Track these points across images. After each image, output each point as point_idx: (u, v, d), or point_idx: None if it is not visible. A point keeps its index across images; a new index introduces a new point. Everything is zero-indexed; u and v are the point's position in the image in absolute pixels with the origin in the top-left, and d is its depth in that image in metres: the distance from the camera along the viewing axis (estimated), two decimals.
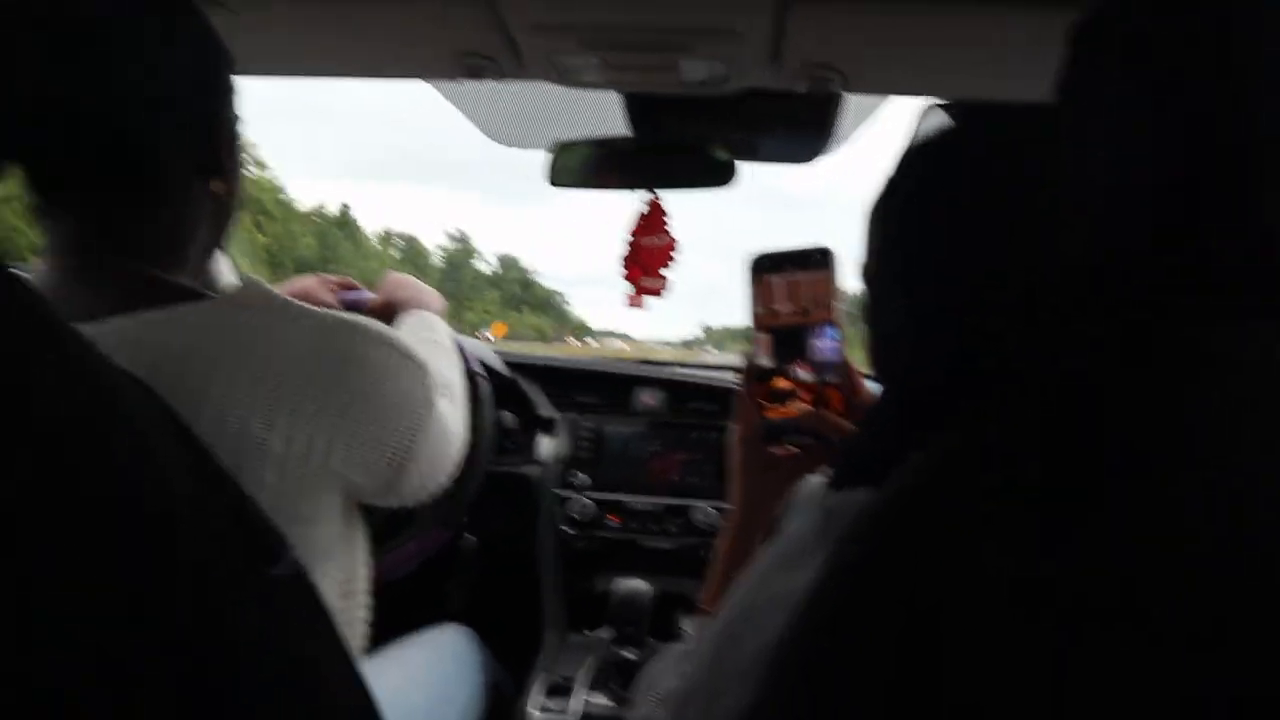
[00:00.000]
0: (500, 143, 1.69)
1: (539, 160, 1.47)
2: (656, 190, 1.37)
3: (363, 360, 0.81)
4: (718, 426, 1.92)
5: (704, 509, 1.82)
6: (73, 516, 0.48)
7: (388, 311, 1.32)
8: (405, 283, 1.40)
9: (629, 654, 1.58)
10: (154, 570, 0.53)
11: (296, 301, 0.81)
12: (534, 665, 1.75)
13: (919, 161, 0.60)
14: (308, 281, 1.40)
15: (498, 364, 1.97)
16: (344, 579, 0.91)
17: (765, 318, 0.91)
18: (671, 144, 1.44)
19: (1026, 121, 0.55)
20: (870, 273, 0.66)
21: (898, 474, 0.47)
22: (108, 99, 0.76)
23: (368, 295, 1.41)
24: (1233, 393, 0.39)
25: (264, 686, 0.60)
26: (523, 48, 1.05)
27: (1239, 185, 0.43)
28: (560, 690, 1.62)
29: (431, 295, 1.38)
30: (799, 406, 0.89)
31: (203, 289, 0.83)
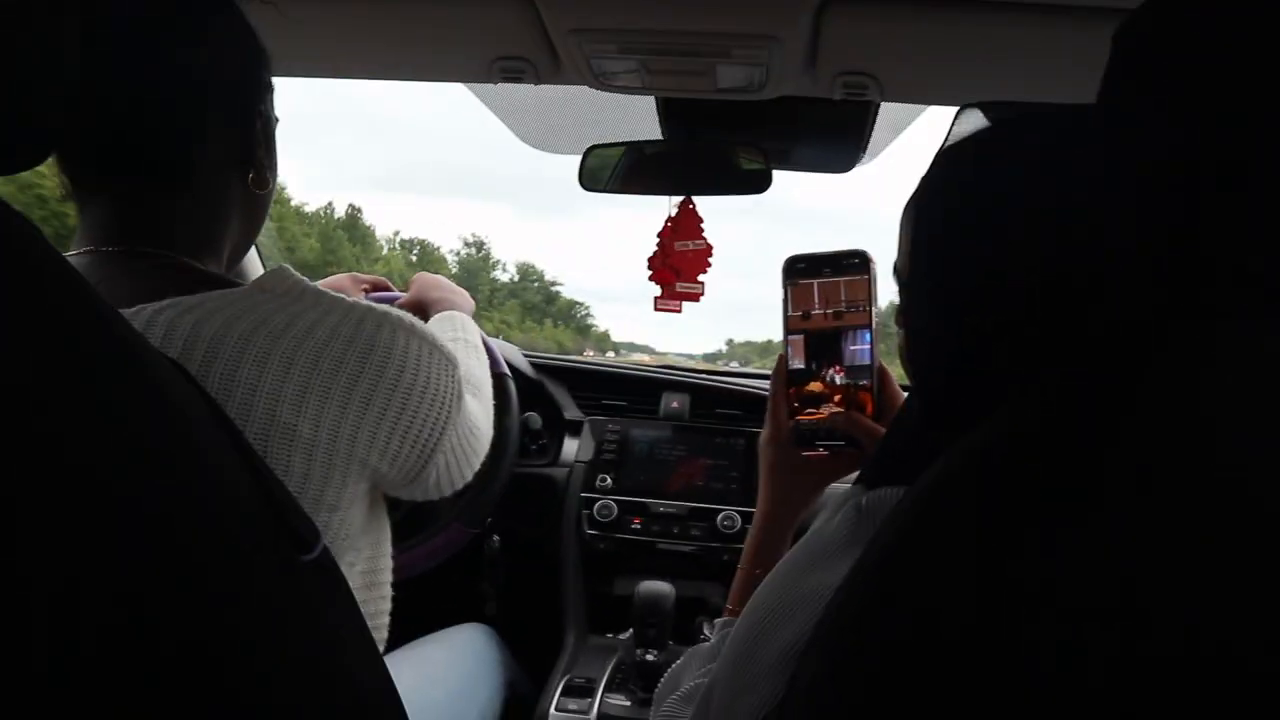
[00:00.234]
0: (533, 146, 1.70)
1: (565, 175, 1.48)
2: (689, 195, 1.37)
3: (391, 350, 0.82)
4: (743, 432, 1.92)
5: (728, 514, 1.82)
6: (118, 498, 0.49)
7: (419, 311, 1.33)
8: (437, 283, 1.41)
9: (650, 656, 1.58)
10: (191, 553, 0.54)
11: (327, 290, 0.82)
12: (555, 665, 1.76)
13: (953, 161, 0.61)
14: (340, 280, 1.41)
15: (525, 366, 1.98)
16: (368, 569, 0.91)
17: (798, 321, 0.91)
18: (705, 149, 1.45)
19: (1062, 124, 0.55)
20: (903, 273, 0.67)
21: (929, 472, 0.47)
22: (146, 91, 0.77)
23: (399, 295, 1.42)
24: (1239, 390, 0.39)
25: (289, 672, 0.61)
26: (560, 52, 1.06)
27: (1262, 192, 0.43)
28: (581, 691, 1.62)
29: (462, 296, 1.39)
30: (830, 410, 0.90)
31: (234, 278, 0.84)
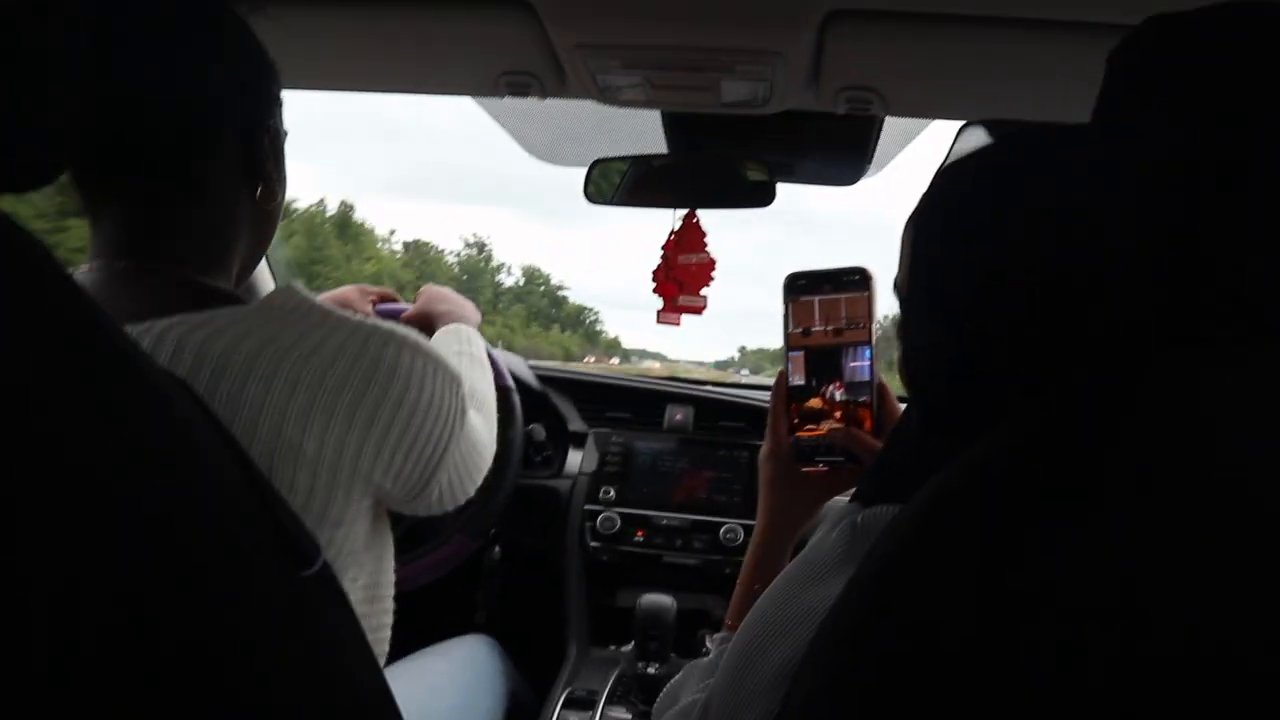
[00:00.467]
0: (540, 159, 1.71)
1: (576, 181, 1.48)
2: (694, 208, 1.37)
3: (396, 368, 0.82)
4: (747, 445, 1.92)
5: (730, 526, 1.82)
6: (118, 500, 0.49)
7: (425, 323, 1.34)
8: (443, 295, 1.42)
9: (651, 669, 1.58)
10: (190, 557, 0.54)
11: (333, 308, 0.83)
12: (556, 677, 1.76)
13: (953, 178, 0.61)
14: (347, 292, 1.42)
15: (530, 377, 1.98)
16: (370, 584, 0.92)
17: (799, 337, 0.91)
18: (710, 163, 1.45)
19: (1064, 141, 0.55)
20: (902, 289, 0.67)
21: (929, 485, 0.47)
22: (157, 106, 0.78)
23: (405, 308, 1.43)
24: (1239, 391, 0.39)
25: (289, 687, 0.61)
26: (566, 66, 1.06)
27: (1259, 210, 0.44)
28: (582, 703, 1.62)
29: (468, 308, 1.40)
30: (830, 426, 0.90)
31: (242, 294, 0.85)
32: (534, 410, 1.93)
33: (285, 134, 0.91)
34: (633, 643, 1.63)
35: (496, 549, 1.94)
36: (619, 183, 1.48)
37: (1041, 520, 0.40)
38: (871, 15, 0.91)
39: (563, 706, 1.62)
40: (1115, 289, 0.47)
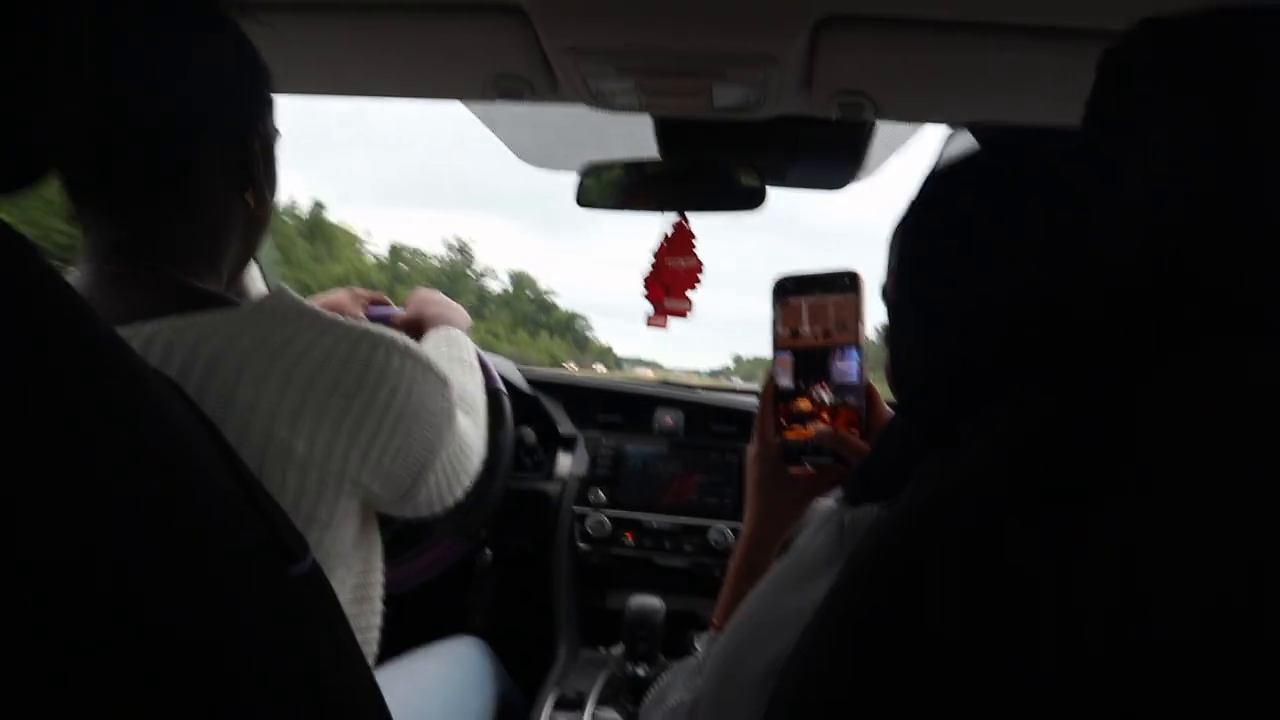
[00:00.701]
0: (531, 164, 1.71)
1: (563, 188, 1.48)
2: (684, 213, 1.38)
3: (386, 371, 0.82)
4: (737, 449, 1.93)
5: (720, 529, 1.82)
6: (115, 513, 0.50)
7: (416, 327, 1.34)
8: (434, 299, 1.42)
9: (640, 670, 1.58)
10: (185, 566, 0.54)
11: (324, 311, 0.83)
12: (546, 679, 1.76)
13: (941, 183, 0.61)
14: (339, 295, 1.42)
15: (520, 381, 1.98)
16: (358, 584, 0.92)
17: (787, 339, 0.92)
18: (701, 168, 1.45)
19: (1051, 146, 0.56)
20: (890, 293, 0.67)
21: (909, 490, 0.48)
22: (147, 110, 0.78)
23: (396, 311, 1.43)
24: (1236, 402, 0.39)
25: (277, 686, 0.61)
26: (557, 71, 1.06)
27: (1258, 208, 0.44)
28: (571, 704, 1.62)
29: (459, 313, 1.40)
30: (818, 427, 0.90)
31: (233, 297, 0.85)
32: (524, 413, 1.93)
33: (277, 137, 0.91)
34: (622, 644, 1.63)
35: (488, 551, 1.94)
36: (610, 187, 1.48)
37: (1040, 520, 0.40)
38: (864, 21, 0.91)
39: (552, 708, 1.62)
40: (1110, 292, 0.48)
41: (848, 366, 0.90)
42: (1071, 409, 0.44)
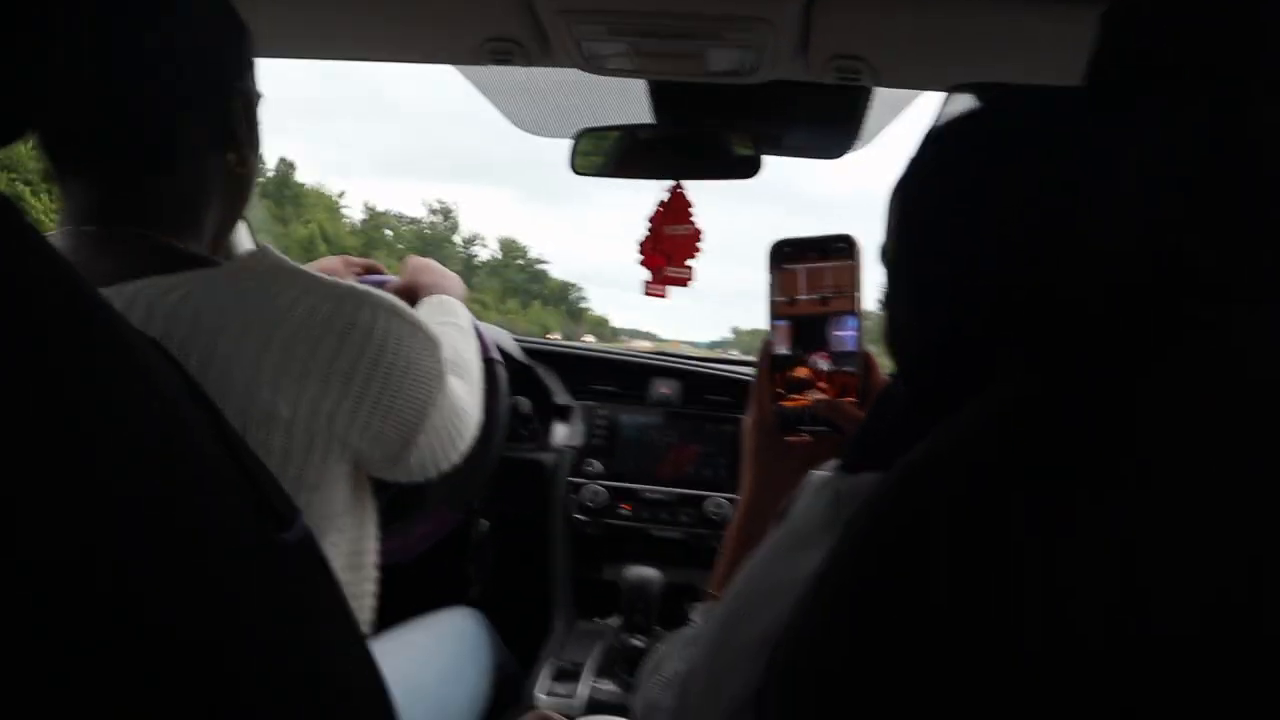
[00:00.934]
0: (524, 130, 1.70)
1: (558, 157, 1.47)
2: (679, 180, 1.37)
3: (371, 329, 0.81)
4: (734, 419, 1.92)
5: (716, 500, 1.82)
6: (100, 479, 0.49)
7: (409, 295, 1.33)
8: (428, 267, 1.41)
9: (637, 641, 1.58)
10: (174, 534, 0.53)
11: (308, 270, 0.82)
12: (543, 650, 1.76)
13: (940, 143, 0.60)
14: (331, 262, 1.41)
15: (516, 350, 1.97)
16: (351, 551, 0.91)
17: (784, 306, 0.91)
18: (696, 134, 1.44)
19: (1052, 106, 0.55)
20: (888, 255, 0.66)
21: (906, 456, 0.47)
22: (125, 69, 0.77)
23: (391, 279, 1.42)
24: (1231, 380, 0.39)
25: (270, 656, 0.60)
26: (550, 33, 1.05)
27: (1261, 178, 0.43)
28: (568, 675, 1.63)
29: (453, 281, 1.39)
30: (815, 395, 0.89)
31: (216, 258, 0.84)
32: (519, 383, 1.93)
33: (260, 97, 0.90)
34: (618, 616, 1.64)
35: (484, 522, 1.94)
36: (605, 153, 1.47)
37: (1027, 493, 0.40)
38: None
39: (549, 679, 1.63)
40: (1108, 261, 0.47)
41: (846, 334, 0.89)
42: (1061, 388, 0.43)
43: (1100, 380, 0.42)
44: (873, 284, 0.86)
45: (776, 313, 0.91)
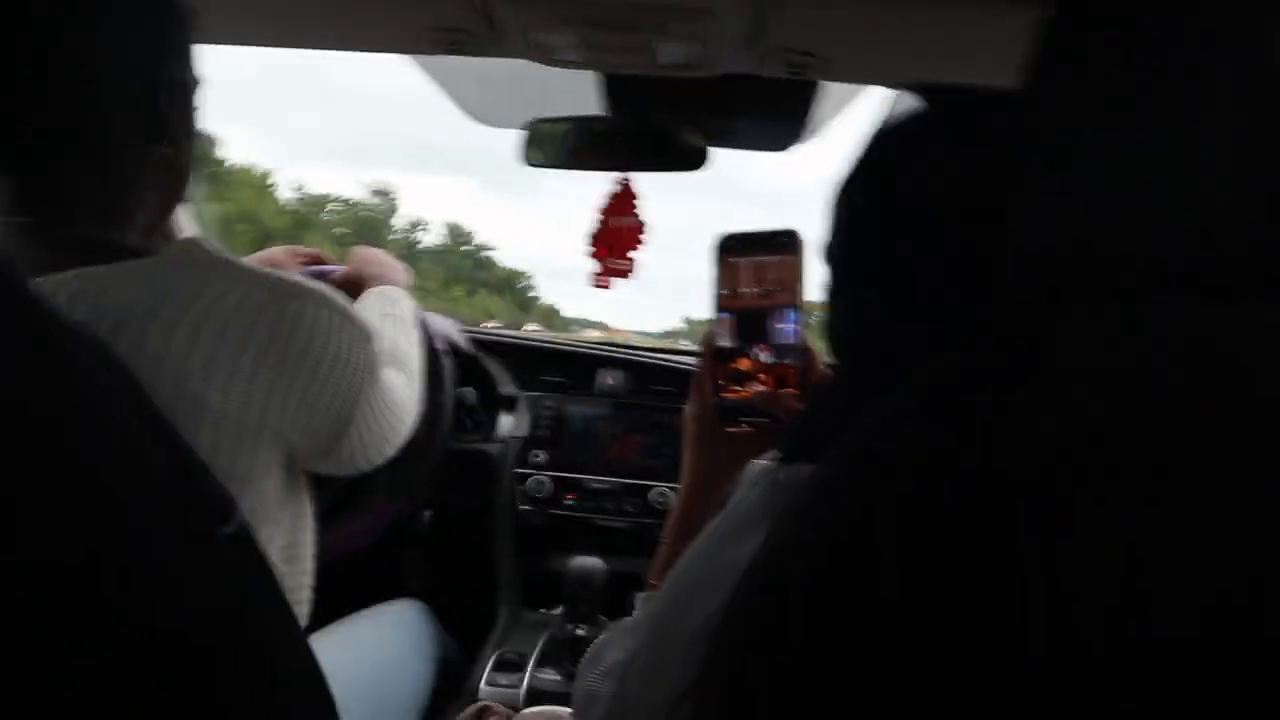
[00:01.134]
0: (478, 121, 1.69)
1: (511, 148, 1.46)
2: (628, 172, 1.37)
3: (300, 319, 0.81)
4: (679, 409, 1.92)
5: (661, 490, 1.83)
6: (37, 475, 0.48)
7: (355, 286, 1.32)
8: (375, 258, 1.40)
9: (581, 631, 1.59)
10: (109, 530, 0.53)
11: (239, 260, 0.81)
12: (486, 641, 1.76)
13: (883, 142, 0.61)
14: (275, 253, 1.40)
15: (461, 341, 1.97)
16: (287, 544, 0.90)
17: (728, 299, 0.91)
18: (647, 127, 1.45)
19: (993, 106, 0.56)
20: (830, 253, 0.67)
21: (835, 447, 0.47)
22: (49, 60, 0.75)
23: (336, 269, 1.41)
24: (1147, 357, 0.39)
25: (209, 647, 0.60)
26: (499, 22, 1.04)
27: (1181, 161, 0.44)
28: (512, 666, 1.63)
29: (399, 271, 1.38)
30: (755, 389, 0.90)
31: (148, 246, 0.82)
32: (465, 374, 1.92)
33: (197, 84, 0.88)
34: (563, 605, 1.64)
35: (427, 513, 1.93)
36: (556, 145, 1.47)
37: (979, 480, 0.40)
38: None
39: (492, 669, 1.62)
40: (1036, 250, 0.48)
41: (787, 327, 0.89)
42: (984, 364, 0.43)
43: (1019, 354, 0.42)
44: (815, 279, 0.87)
45: (720, 305, 0.92)
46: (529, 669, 1.61)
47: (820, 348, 0.86)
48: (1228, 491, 0.34)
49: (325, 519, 1.01)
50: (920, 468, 0.42)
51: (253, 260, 1.08)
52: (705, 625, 0.59)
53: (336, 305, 0.85)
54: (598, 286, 1.34)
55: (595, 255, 1.34)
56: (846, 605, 0.42)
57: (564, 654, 1.61)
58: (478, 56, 1.16)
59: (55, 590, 0.48)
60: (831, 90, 1.40)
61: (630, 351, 2.12)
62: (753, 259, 0.90)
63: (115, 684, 0.51)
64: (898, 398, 0.46)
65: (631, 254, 1.33)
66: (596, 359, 2.07)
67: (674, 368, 2.03)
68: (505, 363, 2.05)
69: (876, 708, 0.39)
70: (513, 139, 1.43)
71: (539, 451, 1.91)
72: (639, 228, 1.33)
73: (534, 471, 1.88)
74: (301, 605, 0.94)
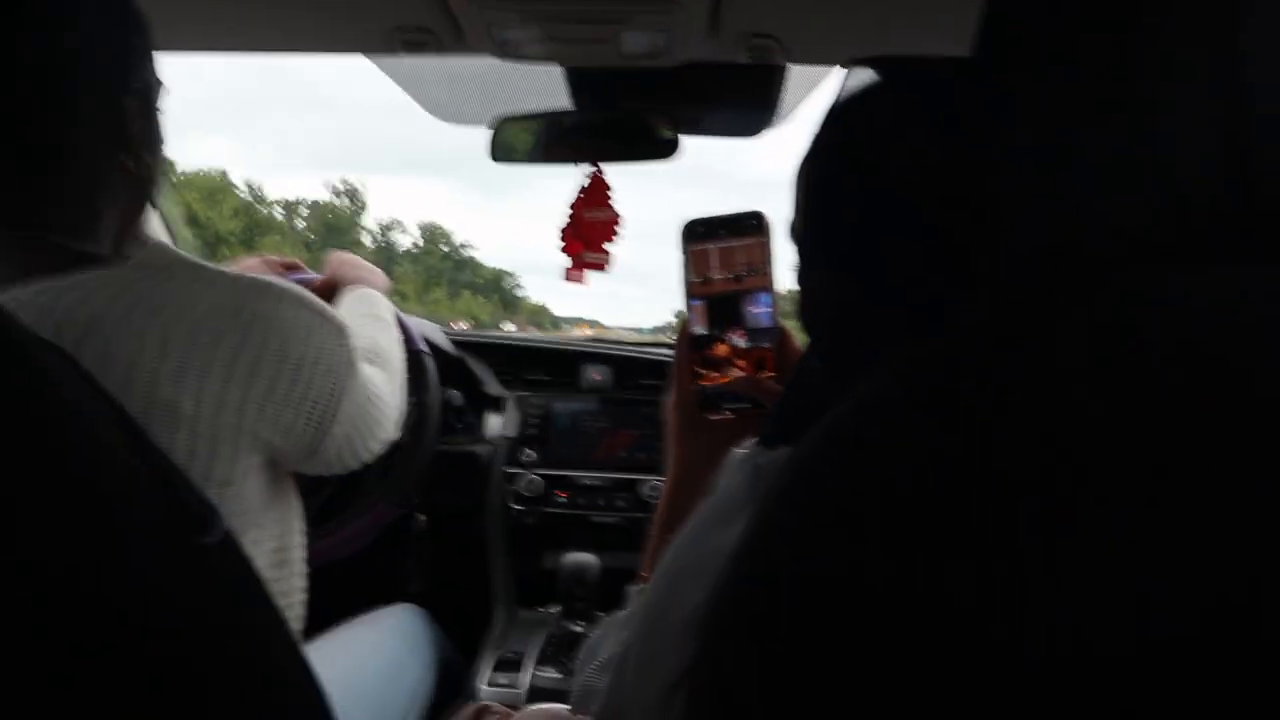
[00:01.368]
0: (440, 118, 1.68)
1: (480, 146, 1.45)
2: (599, 164, 1.36)
3: (273, 320, 0.80)
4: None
5: (653, 483, 1.83)
6: (30, 489, 0.48)
7: (332, 291, 1.32)
8: (353, 263, 1.40)
9: (577, 628, 1.59)
10: (90, 543, 0.52)
11: (207, 264, 0.81)
12: (484, 641, 1.76)
13: (842, 118, 0.61)
14: (251, 262, 1.39)
15: (444, 343, 1.96)
16: (276, 548, 0.90)
17: (699, 286, 0.91)
18: (615, 118, 1.44)
19: (949, 75, 0.55)
20: (797, 231, 0.67)
21: (815, 430, 0.47)
22: (16, 69, 0.74)
23: (313, 276, 1.41)
24: (1121, 331, 0.39)
25: (199, 657, 0.60)
26: (461, 20, 1.04)
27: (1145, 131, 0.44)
28: (510, 665, 1.62)
29: (377, 275, 1.38)
30: (734, 373, 0.90)
31: (112, 257, 0.82)
32: (450, 375, 1.91)
33: (160, 89, 0.87)
34: (558, 602, 1.64)
35: (422, 517, 1.93)
36: (525, 140, 1.46)
37: (943, 473, 0.40)
38: None
39: (492, 669, 1.62)
40: (1004, 223, 0.48)
41: (760, 310, 0.89)
42: (965, 343, 0.43)
43: (1001, 334, 0.42)
44: (785, 259, 0.87)
45: (692, 293, 0.91)
46: (529, 667, 1.61)
47: (795, 329, 0.86)
48: (1227, 491, 0.34)
49: (318, 523, 1.00)
50: (904, 454, 0.42)
51: (230, 269, 1.07)
52: (694, 614, 0.59)
53: (309, 303, 0.85)
54: (572, 281, 1.34)
55: (568, 250, 1.33)
56: (832, 592, 0.42)
57: (562, 651, 1.61)
58: (441, 55, 1.15)
59: (46, 599, 0.48)
60: (798, 73, 1.39)
61: (614, 346, 2.12)
62: (721, 244, 0.90)
63: (105, 693, 0.51)
64: (878, 382, 0.45)
65: (607, 247, 1.32)
66: (581, 355, 2.06)
67: (660, 361, 2.03)
68: (488, 363, 2.05)
69: (867, 697, 0.39)
70: (479, 138, 1.42)
71: (528, 450, 1.90)
72: (614, 220, 1.32)
73: (524, 470, 1.88)
74: (294, 609, 0.94)
